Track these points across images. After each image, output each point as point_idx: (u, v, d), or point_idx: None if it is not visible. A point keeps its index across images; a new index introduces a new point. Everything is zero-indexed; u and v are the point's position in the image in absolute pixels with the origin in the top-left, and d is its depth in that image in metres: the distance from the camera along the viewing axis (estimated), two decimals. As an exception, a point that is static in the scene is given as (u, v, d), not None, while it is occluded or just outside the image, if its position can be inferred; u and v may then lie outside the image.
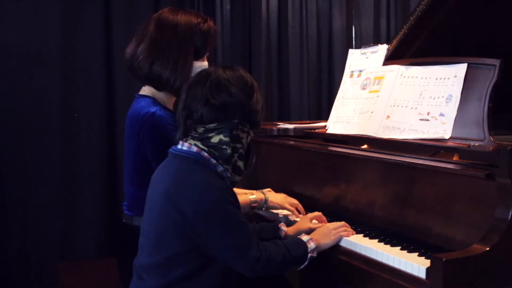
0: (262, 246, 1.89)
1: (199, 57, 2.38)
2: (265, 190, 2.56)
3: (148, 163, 2.23)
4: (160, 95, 2.34)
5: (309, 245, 1.99)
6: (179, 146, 1.94)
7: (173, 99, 2.38)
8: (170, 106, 2.38)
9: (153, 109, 2.25)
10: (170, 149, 1.97)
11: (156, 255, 1.89)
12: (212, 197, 1.82)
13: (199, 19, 2.36)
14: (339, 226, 2.11)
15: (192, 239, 1.84)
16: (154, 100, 2.33)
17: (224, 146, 1.90)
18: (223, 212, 1.83)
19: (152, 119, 2.23)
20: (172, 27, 2.33)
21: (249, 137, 1.98)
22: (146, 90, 2.38)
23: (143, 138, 2.24)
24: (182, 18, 2.35)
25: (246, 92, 1.92)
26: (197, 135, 1.91)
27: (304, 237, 2.03)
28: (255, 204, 2.41)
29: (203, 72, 1.96)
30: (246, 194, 2.41)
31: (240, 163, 1.96)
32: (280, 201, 2.45)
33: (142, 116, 2.25)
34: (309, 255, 1.98)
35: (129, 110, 2.37)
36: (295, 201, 2.47)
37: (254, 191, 2.46)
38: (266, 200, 2.42)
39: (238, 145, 1.93)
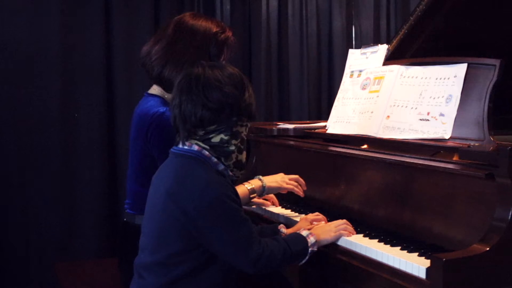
0: (263, 242, 1.90)
1: None
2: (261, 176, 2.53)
3: (153, 162, 2.23)
4: (169, 96, 2.33)
5: (309, 240, 1.99)
6: (180, 145, 1.95)
7: None
8: None
9: (162, 109, 2.26)
10: (171, 149, 1.98)
11: (157, 254, 1.89)
12: (213, 194, 1.82)
13: (218, 28, 2.37)
14: (340, 224, 2.11)
15: (193, 237, 1.85)
16: (163, 100, 2.34)
17: (226, 144, 1.92)
18: (224, 208, 1.83)
19: (160, 119, 2.24)
20: (190, 33, 2.34)
21: (247, 129, 1.98)
22: (156, 90, 2.39)
23: (150, 137, 2.25)
24: (202, 24, 2.35)
25: (239, 89, 1.92)
26: (197, 137, 1.92)
27: (304, 232, 2.03)
28: (254, 194, 2.38)
29: (192, 75, 1.92)
30: (243, 184, 2.38)
31: (241, 157, 1.97)
32: (277, 182, 2.41)
33: (151, 115, 2.26)
34: (310, 249, 1.98)
35: (136, 107, 2.37)
36: (294, 177, 2.44)
37: (250, 180, 2.42)
38: (264, 187, 2.39)
39: (238, 140, 1.94)
